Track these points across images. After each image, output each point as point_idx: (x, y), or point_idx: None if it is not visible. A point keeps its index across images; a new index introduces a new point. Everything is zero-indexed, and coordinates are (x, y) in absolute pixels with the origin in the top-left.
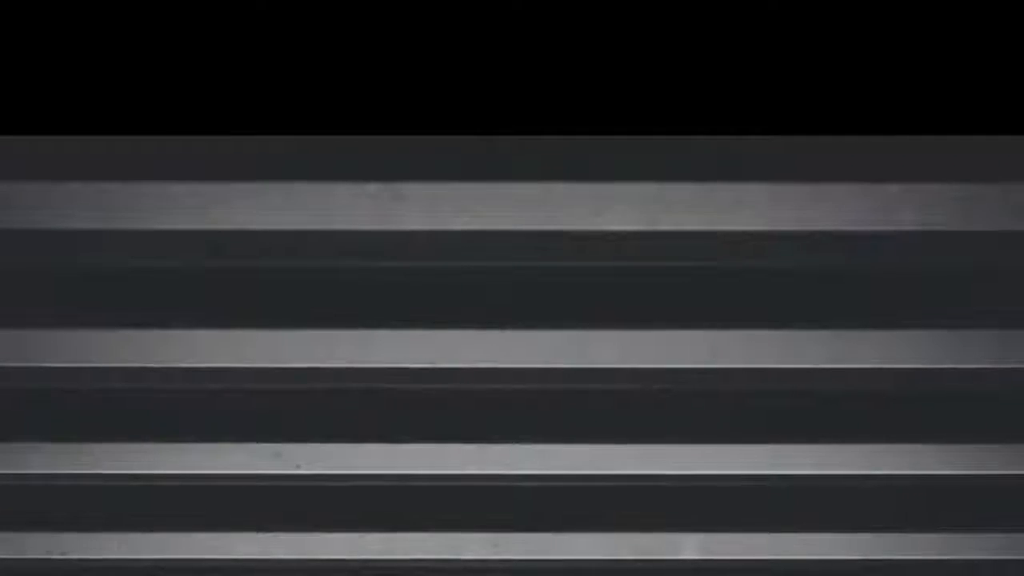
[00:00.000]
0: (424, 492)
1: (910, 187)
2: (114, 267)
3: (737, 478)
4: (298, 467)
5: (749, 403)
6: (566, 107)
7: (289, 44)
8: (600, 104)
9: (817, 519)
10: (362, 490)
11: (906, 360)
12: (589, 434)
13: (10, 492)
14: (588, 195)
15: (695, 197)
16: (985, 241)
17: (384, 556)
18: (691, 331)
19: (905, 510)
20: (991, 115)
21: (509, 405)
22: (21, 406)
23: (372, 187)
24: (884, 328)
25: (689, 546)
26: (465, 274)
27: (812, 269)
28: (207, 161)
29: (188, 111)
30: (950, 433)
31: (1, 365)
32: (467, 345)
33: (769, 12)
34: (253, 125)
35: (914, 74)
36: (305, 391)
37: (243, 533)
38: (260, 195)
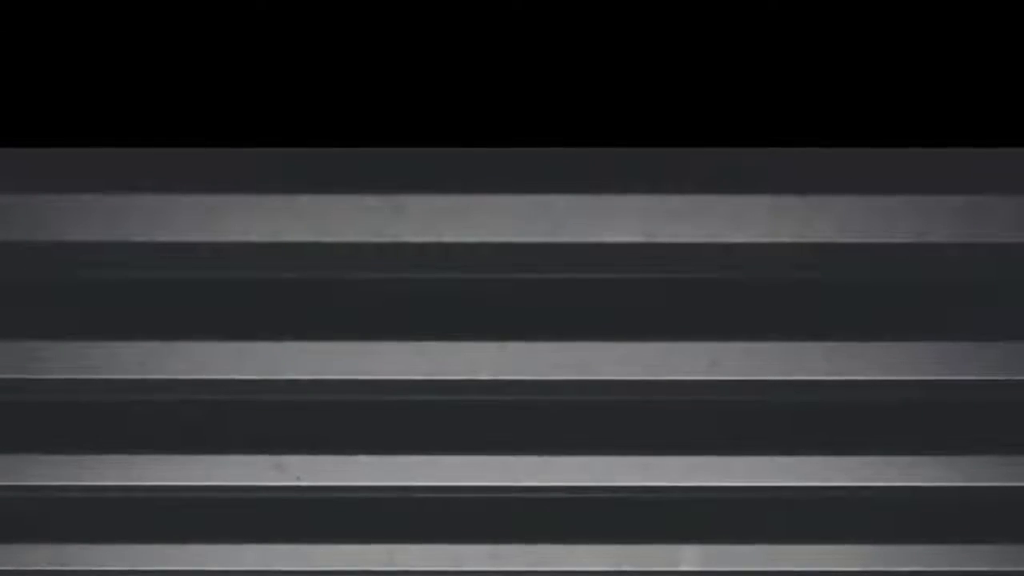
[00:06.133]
0: (424, 503)
1: (910, 199)
2: (114, 279)
3: (736, 490)
4: (298, 479)
5: (749, 415)
6: (566, 119)
7: (289, 56)
8: (600, 116)
9: (817, 531)
10: (362, 502)
11: (906, 372)
12: (589, 446)
13: (10, 504)
14: (588, 207)
15: (695, 209)
16: (985, 253)
17: (384, 567)
18: (691, 343)
19: (905, 522)
20: (991, 127)
21: (509, 417)
22: (22, 418)
23: (372, 199)
24: (884, 340)
25: (688, 558)
26: (465, 286)
27: (812, 281)
28: (207, 173)
29: (188, 122)
30: (951, 445)
31: (2, 377)
32: (467, 357)
33: (769, 25)
34: (253, 137)
35: (914, 86)
36: (305, 403)
37: (244, 545)
38: (260, 207)
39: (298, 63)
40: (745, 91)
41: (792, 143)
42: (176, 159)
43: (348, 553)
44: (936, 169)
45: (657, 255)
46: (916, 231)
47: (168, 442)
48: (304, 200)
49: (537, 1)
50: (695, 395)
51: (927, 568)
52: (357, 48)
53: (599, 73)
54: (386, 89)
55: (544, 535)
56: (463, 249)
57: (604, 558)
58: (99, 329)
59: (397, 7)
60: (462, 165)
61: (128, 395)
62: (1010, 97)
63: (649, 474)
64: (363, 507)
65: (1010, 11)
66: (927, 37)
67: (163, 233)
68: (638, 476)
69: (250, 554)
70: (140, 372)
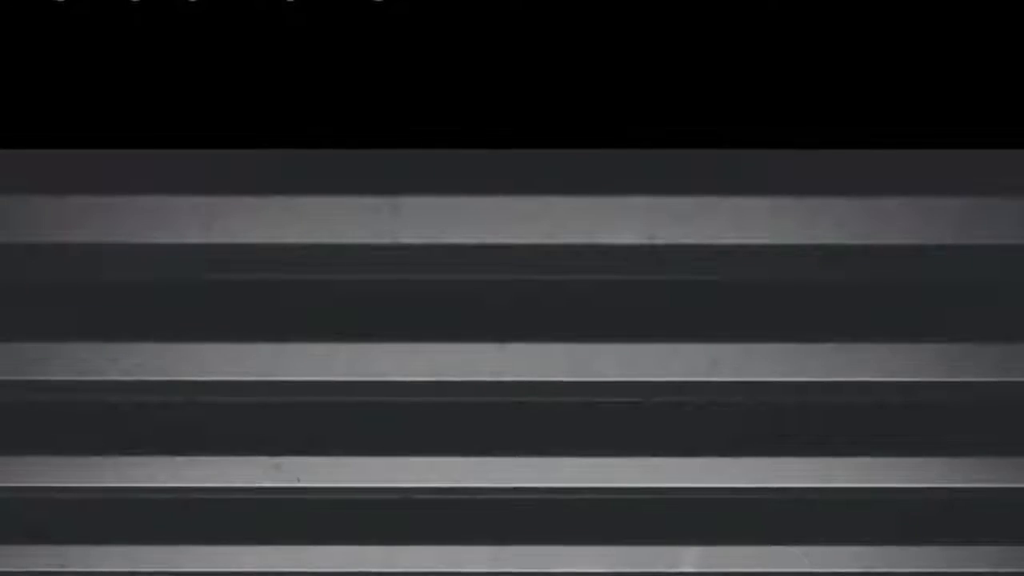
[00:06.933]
0: (423, 505)
1: (910, 200)
2: (113, 280)
3: (737, 491)
4: (298, 480)
5: (749, 416)
6: (566, 121)
7: (289, 58)
8: (600, 118)
9: (816, 532)
10: (362, 503)
11: (906, 373)
12: (588, 447)
13: (10, 505)
14: (588, 209)
15: (695, 211)
16: (985, 254)
17: (384, 569)
18: (691, 344)
19: (904, 523)
20: (990, 129)
21: (508, 418)
22: (21, 419)
23: (372, 201)
24: (884, 341)
25: (688, 559)
26: (464, 287)
27: (812, 282)
28: (207, 175)
29: (188, 124)
30: (950, 447)
31: (1, 378)
32: (466, 358)
33: (770, 27)
34: (253, 139)
35: (913, 88)
36: (305, 404)
37: (243, 546)
38: (260, 209)
39: (297, 64)
40: (745, 92)
41: (792, 144)
42: (175, 160)
43: (347, 555)
44: (935, 170)
45: (657, 256)
46: (916, 232)
47: (167, 443)
48: (303, 201)
49: (537, 2)
50: (695, 396)
51: (927, 569)
52: (356, 49)
53: (599, 74)
54: (386, 90)
55: (544, 537)
56: (463, 250)
57: (604, 559)
58: (98, 330)
59: (397, 7)
60: (462, 166)
61: (127, 396)
62: (1009, 99)
63: (649, 475)
64: (362, 508)
65: (1010, 12)
66: (927, 39)
67: (162, 235)
68: (638, 477)
69: (249, 555)
70: (139, 373)
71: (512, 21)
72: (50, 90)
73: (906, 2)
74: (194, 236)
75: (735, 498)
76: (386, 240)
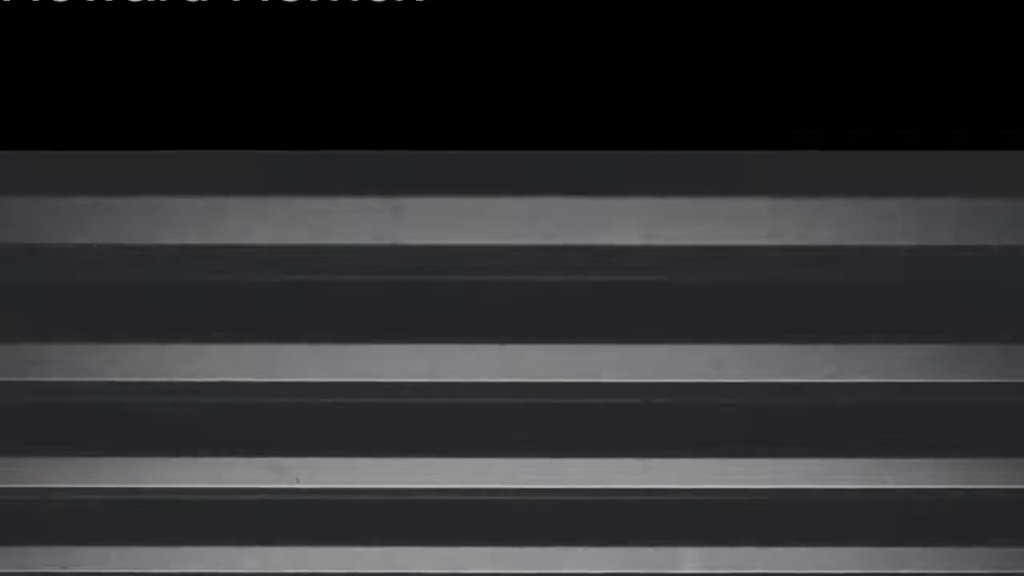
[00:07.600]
0: (423, 506)
1: (910, 201)
2: (113, 281)
3: (738, 492)
4: (297, 481)
5: (750, 417)
6: (566, 122)
7: (290, 59)
8: (601, 119)
9: (817, 533)
10: (361, 504)
11: (906, 374)
12: (589, 448)
13: (10, 505)
14: (588, 210)
15: (696, 212)
16: (985, 255)
17: (383, 570)
18: (692, 345)
19: (904, 523)
20: (990, 130)
21: (509, 419)
22: (21, 420)
23: (372, 202)
24: (884, 342)
25: (689, 560)
26: (465, 288)
27: (813, 283)
28: (208, 176)
29: (188, 124)
30: (951, 447)
31: (1, 379)
32: (466, 359)
33: (771, 29)
34: (253, 139)
35: (914, 89)
36: (304, 405)
37: (243, 547)
38: (260, 209)
39: (298, 65)
40: (746, 93)
41: (792, 145)
42: (176, 161)
43: (347, 555)
44: (936, 171)
45: (657, 257)
46: (916, 233)
47: (167, 444)
48: (304, 202)
49: (537, 4)
50: (696, 397)
51: (927, 570)
52: (357, 50)
53: (598, 76)
54: (387, 91)
55: (544, 538)
56: (463, 251)
57: (605, 560)
58: (98, 331)
59: (398, 10)
60: (462, 167)
61: (127, 397)
62: (1009, 99)
63: (650, 476)
64: (362, 509)
65: (1010, 14)
66: (927, 40)
67: (163, 236)
68: (639, 478)
69: (249, 556)
70: (139, 374)
71: (512, 23)
72: (50, 90)
73: (906, 3)
74: (194, 236)
75: (735, 498)
76: (387, 241)
